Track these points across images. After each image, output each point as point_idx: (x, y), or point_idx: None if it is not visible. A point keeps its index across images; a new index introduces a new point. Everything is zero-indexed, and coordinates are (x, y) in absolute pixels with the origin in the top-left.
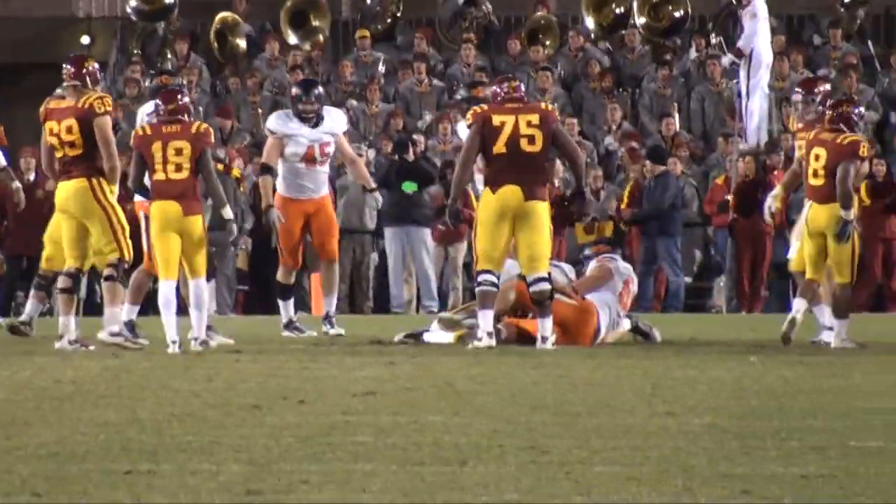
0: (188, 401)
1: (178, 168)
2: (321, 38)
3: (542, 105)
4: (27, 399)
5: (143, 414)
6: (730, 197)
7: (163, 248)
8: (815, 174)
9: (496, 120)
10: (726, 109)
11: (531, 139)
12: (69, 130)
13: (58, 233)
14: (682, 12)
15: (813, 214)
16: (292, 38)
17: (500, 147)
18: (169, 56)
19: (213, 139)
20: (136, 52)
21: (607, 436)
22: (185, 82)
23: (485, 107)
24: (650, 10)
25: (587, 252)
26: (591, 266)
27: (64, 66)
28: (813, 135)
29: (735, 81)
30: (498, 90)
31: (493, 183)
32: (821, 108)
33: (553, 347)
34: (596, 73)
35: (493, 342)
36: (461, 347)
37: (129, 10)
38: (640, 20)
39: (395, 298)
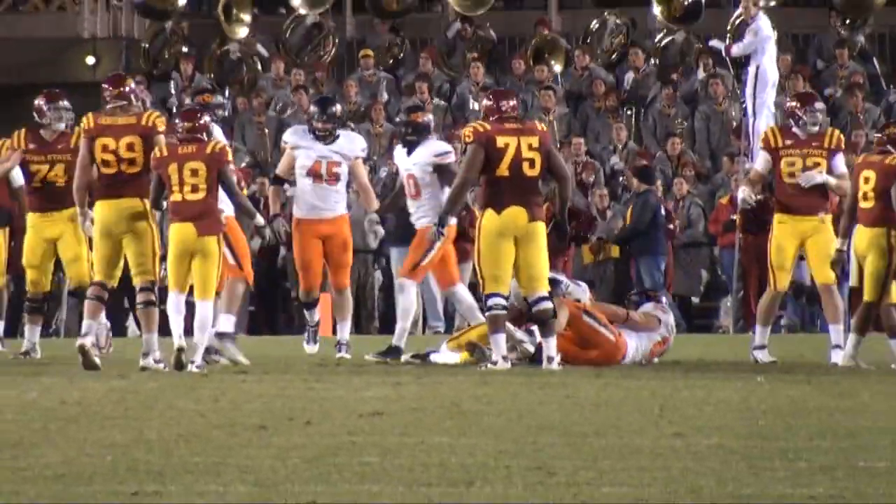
0: (194, 421)
1: (195, 189)
2: (327, 6)
3: (539, 126)
4: (33, 420)
5: (149, 435)
6: (736, 217)
7: (178, 270)
8: (865, 197)
9: (500, 142)
10: (732, 129)
11: (532, 163)
12: (130, 148)
13: (36, 258)
14: None
15: (857, 240)
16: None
17: (503, 170)
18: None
19: (229, 158)
20: (143, 49)
21: (615, 457)
22: (223, 100)
23: (487, 126)
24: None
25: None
26: (646, 308)
27: (104, 85)
28: (862, 158)
29: (741, 101)
30: (494, 106)
31: (496, 204)
32: (824, 122)
33: (559, 367)
34: (601, 93)
35: (508, 365)
36: (468, 368)
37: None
38: (656, 9)
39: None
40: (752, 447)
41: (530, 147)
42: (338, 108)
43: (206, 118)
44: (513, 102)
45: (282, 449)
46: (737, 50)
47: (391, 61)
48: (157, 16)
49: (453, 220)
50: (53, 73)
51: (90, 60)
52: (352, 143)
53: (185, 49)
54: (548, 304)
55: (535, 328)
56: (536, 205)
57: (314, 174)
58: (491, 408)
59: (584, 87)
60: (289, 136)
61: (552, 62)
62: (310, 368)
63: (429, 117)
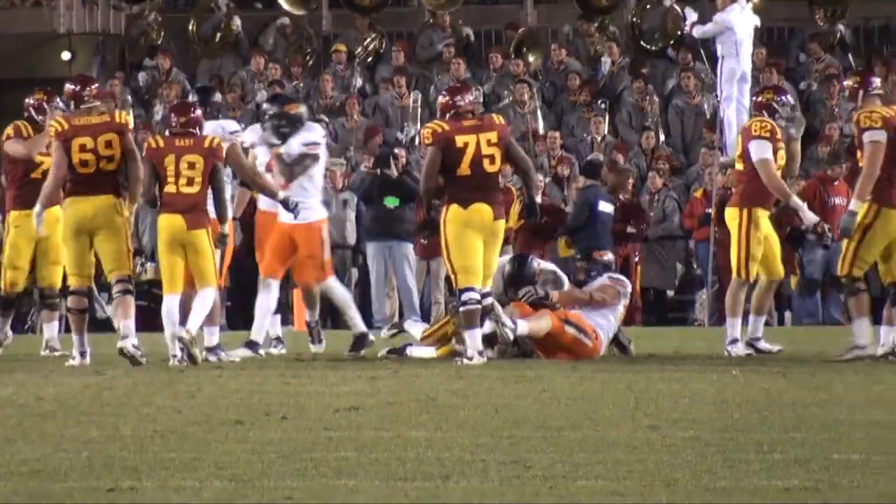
0: (170, 417)
1: (190, 182)
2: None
3: (496, 120)
4: (9, 416)
5: (125, 431)
6: (711, 210)
7: (168, 262)
8: None
9: (459, 141)
10: (705, 123)
11: (492, 159)
12: (108, 145)
13: (21, 259)
14: None
15: None
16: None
17: (464, 169)
18: (147, 76)
19: (224, 154)
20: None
21: (590, 449)
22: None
23: (445, 126)
24: None
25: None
26: (603, 281)
27: (72, 87)
28: None
29: (714, 95)
30: (450, 102)
31: (461, 200)
32: (796, 113)
33: (482, 360)
34: (576, 86)
35: (484, 360)
36: (444, 361)
37: None
38: None
39: (378, 313)
40: (727, 440)
41: (489, 143)
42: (302, 109)
43: (199, 112)
44: (469, 98)
45: (258, 444)
46: (697, 31)
47: (369, 58)
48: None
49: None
50: (28, 69)
51: (66, 56)
52: (308, 132)
53: (159, 39)
54: (489, 300)
55: (522, 322)
56: (498, 203)
57: (271, 170)
58: (467, 402)
59: (560, 81)
60: (247, 136)
61: (530, 56)
62: (286, 363)
63: (302, 108)
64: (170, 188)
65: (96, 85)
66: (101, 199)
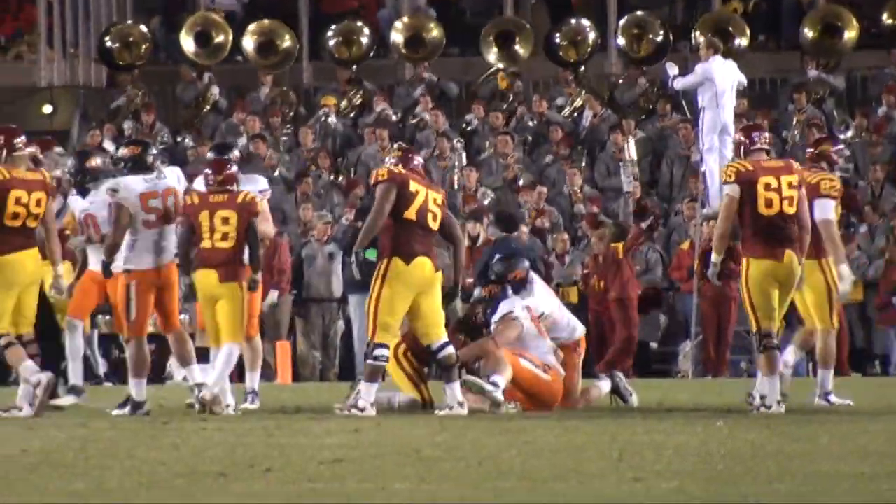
0: (155, 469)
1: (225, 237)
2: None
3: (440, 189)
4: None
5: (110, 483)
6: (696, 263)
7: (209, 318)
8: None
9: (412, 186)
10: (692, 173)
11: (434, 216)
12: (38, 203)
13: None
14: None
15: None
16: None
17: (411, 213)
18: (133, 125)
19: (259, 209)
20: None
21: (574, 501)
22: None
23: (402, 169)
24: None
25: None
26: (494, 328)
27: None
28: None
29: (699, 146)
30: (403, 158)
31: (404, 254)
32: (850, 165)
33: (465, 413)
34: (558, 139)
35: (374, 412)
36: (427, 413)
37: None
38: (621, 41)
39: (361, 365)
40: (711, 491)
41: (435, 202)
42: (235, 153)
43: (235, 168)
44: (421, 161)
45: (242, 496)
46: (678, 84)
47: (351, 112)
48: (119, 66)
49: None
50: (10, 122)
51: (47, 109)
52: (251, 183)
53: (142, 104)
54: (450, 350)
55: (496, 377)
56: (436, 255)
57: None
58: (450, 454)
59: (542, 133)
60: (198, 186)
61: (508, 105)
62: (270, 415)
63: (98, 160)
64: (205, 243)
65: (23, 136)
66: (36, 253)
